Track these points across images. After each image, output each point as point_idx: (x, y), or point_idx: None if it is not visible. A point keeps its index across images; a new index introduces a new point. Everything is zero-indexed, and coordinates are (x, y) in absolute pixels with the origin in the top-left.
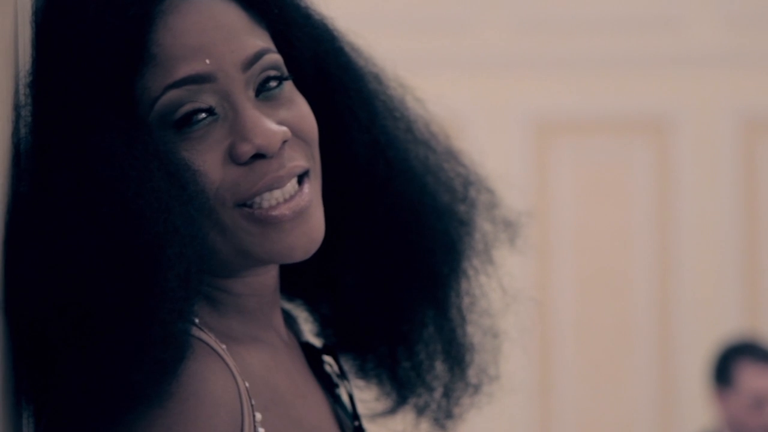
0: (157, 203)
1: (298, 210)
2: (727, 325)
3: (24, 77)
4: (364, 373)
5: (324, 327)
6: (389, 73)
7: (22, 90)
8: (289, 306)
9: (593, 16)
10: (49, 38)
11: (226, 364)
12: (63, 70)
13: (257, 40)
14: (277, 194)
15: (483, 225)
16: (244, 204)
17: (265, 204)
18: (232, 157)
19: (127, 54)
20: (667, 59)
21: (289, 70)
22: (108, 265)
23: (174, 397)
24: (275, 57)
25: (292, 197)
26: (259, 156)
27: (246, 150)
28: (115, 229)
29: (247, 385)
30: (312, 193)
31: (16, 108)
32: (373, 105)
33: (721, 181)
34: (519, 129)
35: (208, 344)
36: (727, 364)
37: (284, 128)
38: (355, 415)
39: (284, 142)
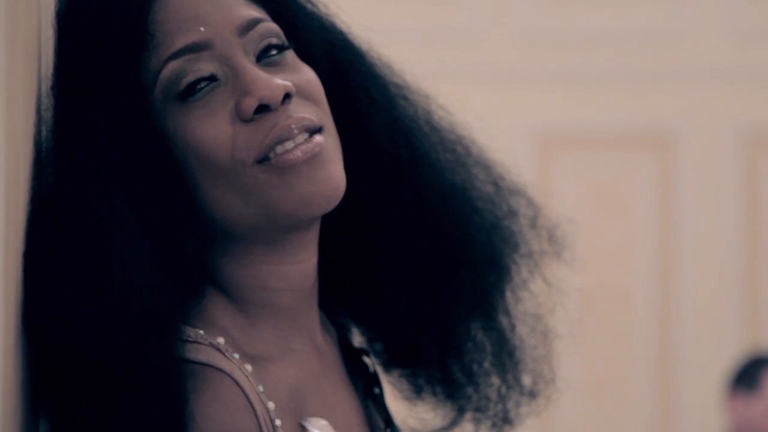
0: (141, 227)
1: (311, 154)
2: (728, 338)
3: (47, 81)
4: (417, 387)
5: (371, 342)
6: (408, 78)
7: (45, 94)
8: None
9: (597, 31)
10: (64, 41)
11: (245, 394)
12: (75, 68)
13: (251, 10)
14: (289, 144)
15: (526, 233)
16: (263, 160)
17: (279, 150)
18: (239, 115)
19: (130, 40)
20: (670, 74)
21: (299, 56)
22: (96, 296)
23: None
24: (272, 26)
25: (301, 144)
26: (264, 109)
27: (250, 104)
28: (102, 259)
29: (272, 406)
30: (325, 144)
31: (38, 112)
32: (389, 90)
33: (723, 196)
34: (522, 142)
35: (224, 371)
36: (756, 369)
37: (286, 82)
38: (388, 421)
39: (288, 96)
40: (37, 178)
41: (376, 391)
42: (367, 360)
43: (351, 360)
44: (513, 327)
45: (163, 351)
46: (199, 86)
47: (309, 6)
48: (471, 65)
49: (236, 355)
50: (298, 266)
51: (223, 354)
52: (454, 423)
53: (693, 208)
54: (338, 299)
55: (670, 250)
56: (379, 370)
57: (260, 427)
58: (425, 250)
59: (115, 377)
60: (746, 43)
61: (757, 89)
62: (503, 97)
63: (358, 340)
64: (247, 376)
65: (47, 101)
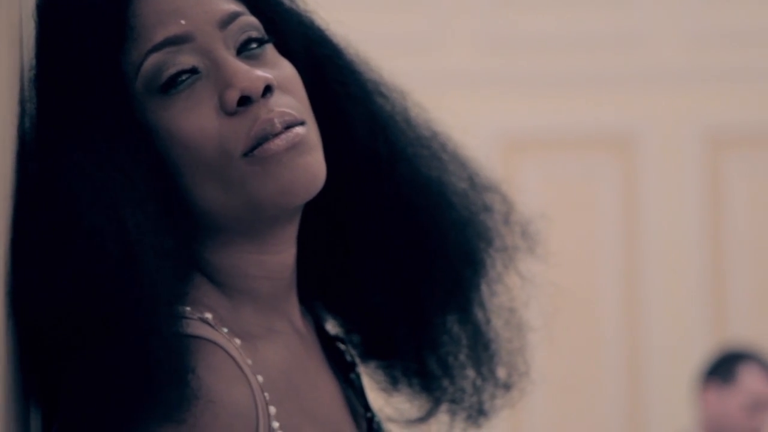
0: (131, 211)
1: (291, 143)
2: (693, 336)
3: (28, 71)
4: (393, 378)
5: (348, 333)
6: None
7: (27, 84)
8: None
9: (558, 34)
10: (46, 34)
11: (238, 365)
12: (56, 60)
13: (231, 4)
14: (271, 136)
15: (500, 228)
16: (248, 152)
17: (263, 142)
18: (223, 108)
19: (111, 32)
20: (631, 76)
21: (278, 50)
22: (94, 276)
23: (189, 411)
24: (252, 19)
25: (282, 134)
26: (246, 101)
27: (232, 95)
28: (93, 240)
29: (260, 380)
30: (306, 135)
31: (22, 102)
32: (366, 86)
33: (686, 197)
34: (485, 146)
35: (217, 343)
36: (733, 362)
37: (267, 74)
38: (366, 406)
39: (269, 88)
40: (21, 168)
41: (353, 376)
42: (342, 347)
43: (328, 347)
44: (488, 320)
45: (166, 327)
46: (180, 78)
47: (287, 2)
48: (432, 71)
49: (225, 330)
50: (278, 257)
51: (213, 327)
52: (429, 414)
53: (656, 209)
54: (316, 291)
55: (634, 250)
56: (356, 359)
57: (254, 396)
58: (402, 244)
59: (119, 357)
60: (705, 45)
61: (718, 90)
62: (465, 102)
63: (333, 330)
64: (237, 349)
65: (29, 93)
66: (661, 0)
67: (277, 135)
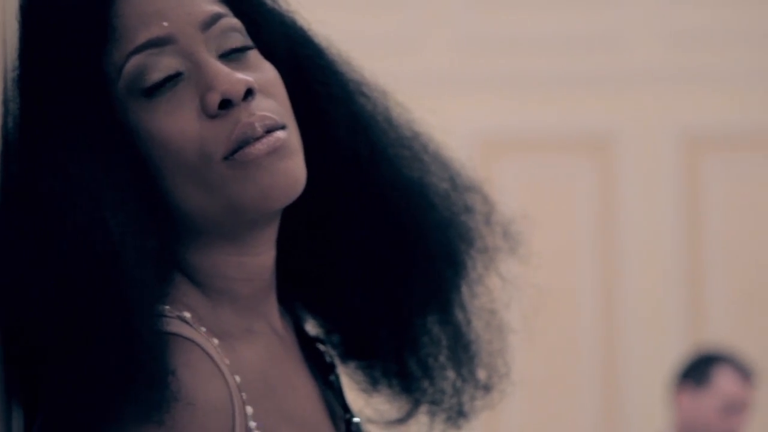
0: (113, 211)
1: (272, 147)
2: (670, 338)
3: (11, 72)
4: (373, 379)
5: (328, 334)
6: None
7: (10, 85)
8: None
9: (536, 35)
10: (29, 34)
11: (215, 363)
12: (39, 60)
13: (213, 5)
14: (251, 140)
15: (482, 229)
16: (229, 156)
17: (243, 146)
18: (204, 111)
19: (93, 33)
20: (609, 78)
21: (260, 51)
22: (76, 276)
23: (167, 410)
24: (234, 21)
25: (263, 137)
26: (227, 104)
27: (213, 98)
28: (76, 240)
29: (238, 379)
30: (287, 139)
31: (5, 102)
32: (348, 86)
33: (663, 199)
34: (462, 147)
35: (194, 341)
36: (708, 365)
37: (248, 77)
38: (345, 408)
39: (250, 92)
40: (4, 169)
41: (332, 378)
42: (322, 348)
43: (307, 348)
44: (469, 321)
45: (147, 328)
46: (166, 84)
47: (269, 2)
48: (412, 72)
49: (203, 329)
50: (257, 258)
51: (191, 326)
52: (409, 415)
53: (634, 210)
54: (295, 291)
55: (611, 252)
56: (336, 360)
57: (231, 395)
58: (383, 244)
59: (100, 357)
60: (683, 46)
61: (696, 92)
62: (444, 103)
63: (313, 331)
64: (215, 348)
65: (12, 93)
66: (638, 1)
67: (258, 139)
